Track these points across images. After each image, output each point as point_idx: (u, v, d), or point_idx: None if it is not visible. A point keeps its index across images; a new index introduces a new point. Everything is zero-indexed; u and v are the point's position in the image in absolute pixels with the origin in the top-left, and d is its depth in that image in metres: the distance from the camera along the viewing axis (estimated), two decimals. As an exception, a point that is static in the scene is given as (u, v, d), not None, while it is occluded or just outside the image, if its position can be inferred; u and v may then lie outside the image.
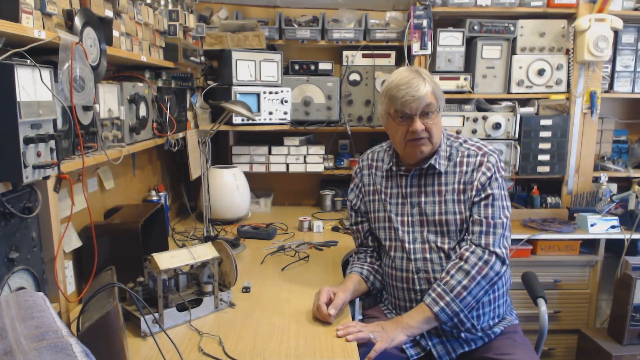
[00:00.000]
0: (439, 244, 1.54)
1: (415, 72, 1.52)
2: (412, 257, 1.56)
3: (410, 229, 1.58)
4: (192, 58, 2.23)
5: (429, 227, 1.56)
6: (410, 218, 1.59)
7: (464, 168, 1.56)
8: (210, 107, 2.63)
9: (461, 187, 1.54)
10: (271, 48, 2.75)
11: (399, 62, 2.79)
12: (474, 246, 1.50)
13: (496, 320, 1.59)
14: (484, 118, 2.68)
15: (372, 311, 1.70)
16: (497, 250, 1.49)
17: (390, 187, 1.64)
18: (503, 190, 1.55)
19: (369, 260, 1.71)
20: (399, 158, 1.63)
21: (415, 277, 1.55)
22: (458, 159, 1.57)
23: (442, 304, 1.44)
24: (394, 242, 1.61)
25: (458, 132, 2.64)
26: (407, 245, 1.57)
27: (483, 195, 1.52)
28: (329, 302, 1.45)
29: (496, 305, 1.58)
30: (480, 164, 1.54)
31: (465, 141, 1.61)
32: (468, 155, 1.57)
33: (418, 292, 1.55)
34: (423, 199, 1.58)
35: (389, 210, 1.62)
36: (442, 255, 1.54)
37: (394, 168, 1.63)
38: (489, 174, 1.53)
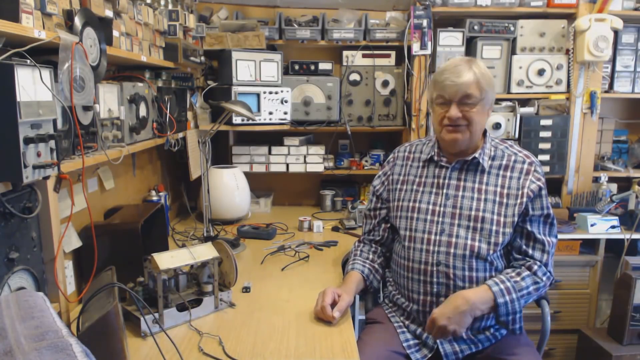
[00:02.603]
0: (469, 242, 1.50)
1: (467, 61, 1.51)
2: (435, 249, 1.52)
3: (440, 219, 1.55)
4: (192, 58, 2.23)
5: (460, 221, 1.53)
6: (442, 208, 1.55)
7: (509, 173, 1.55)
8: (210, 107, 2.63)
9: (504, 191, 1.53)
10: (271, 48, 2.75)
11: (399, 62, 2.80)
12: (538, 262, 1.52)
13: None
14: (484, 118, 2.68)
15: (375, 313, 1.70)
16: (552, 270, 1.55)
17: (425, 176, 1.62)
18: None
19: (370, 257, 1.70)
20: (442, 149, 1.62)
21: (435, 269, 1.52)
22: (504, 162, 1.56)
23: (507, 298, 1.45)
24: (415, 232, 1.57)
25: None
26: (432, 236, 1.54)
27: (545, 213, 1.53)
28: (333, 304, 1.45)
29: None
30: (528, 172, 1.53)
31: (511, 146, 1.61)
32: (515, 161, 1.56)
33: (435, 285, 1.52)
34: (460, 193, 1.55)
35: (419, 200, 1.59)
36: (468, 253, 1.50)
37: (435, 158, 1.61)
38: (540, 184, 1.53)
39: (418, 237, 1.56)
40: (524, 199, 1.51)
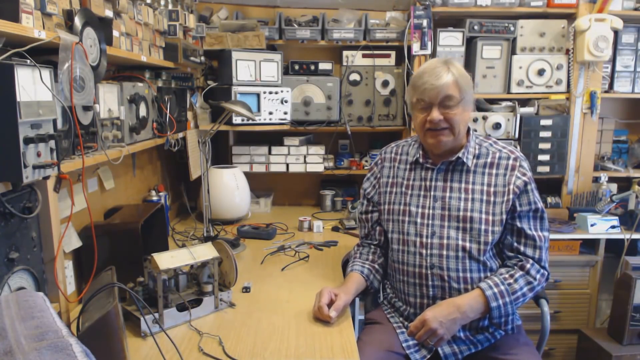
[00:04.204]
0: (460, 242, 1.51)
1: (443, 62, 1.51)
2: (428, 252, 1.53)
3: (430, 221, 1.55)
4: (192, 58, 2.23)
5: (450, 222, 1.53)
6: (431, 211, 1.56)
7: (494, 170, 1.54)
8: (210, 107, 2.63)
9: (491, 189, 1.53)
10: (271, 48, 2.75)
11: (399, 62, 2.80)
12: (531, 260, 1.51)
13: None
14: (484, 118, 2.68)
15: (374, 314, 1.70)
16: (547, 265, 1.54)
17: (412, 179, 1.62)
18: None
19: (370, 257, 1.70)
20: (426, 151, 1.62)
21: (429, 272, 1.52)
22: (489, 160, 1.56)
23: (500, 302, 1.45)
24: (407, 236, 1.57)
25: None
26: (424, 239, 1.54)
27: (533, 208, 1.52)
28: (330, 303, 1.45)
29: None
30: (513, 168, 1.53)
31: (495, 142, 1.60)
32: (500, 158, 1.55)
33: (430, 288, 1.53)
34: (448, 194, 1.55)
35: (408, 203, 1.59)
36: (460, 254, 1.50)
37: (421, 160, 1.60)
38: (525, 179, 1.52)
39: (410, 241, 1.56)
40: (510, 196, 1.51)
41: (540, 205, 1.53)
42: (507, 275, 1.50)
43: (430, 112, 1.48)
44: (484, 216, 1.51)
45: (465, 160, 1.54)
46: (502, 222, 1.51)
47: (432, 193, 1.57)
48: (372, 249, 1.73)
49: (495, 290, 1.46)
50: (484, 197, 1.52)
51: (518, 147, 2.68)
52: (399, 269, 1.60)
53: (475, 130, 2.68)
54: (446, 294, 1.51)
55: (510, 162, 1.54)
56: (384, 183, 1.68)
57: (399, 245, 1.59)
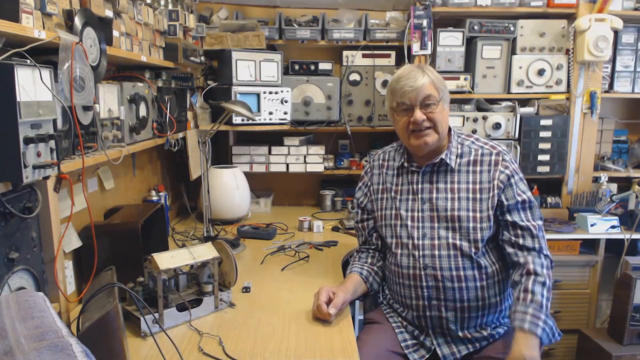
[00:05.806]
0: (450, 240, 1.52)
1: (417, 66, 1.55)
2: (420, 253, 1.54)
3: (420, 224, 1.56)
4: (192, 58, 2.23)
5: (439, 223, 1.54)
6: (420, 214, 1.57)
7: (479, 168, 1.55)
8: (210, 107, 2.63)
9: (477, 187, 1.54)
10: (271, 48, 2.75)
11: (399, 62, 2.79)
12: (533, 252, 1.48)
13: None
14: (484, 118, 2.68)
15: (374, 314, 1.70)
16: (548, 253, 1.52)
17: (400, 184, 1.64)
18: (529, 190, 1.55)
19: (369, 260, 1.71)
20: (410, 155, 1.63)
21: (422, 273, 1.53)
22: (472, 157, 1.57)
23: (541, 324, 1.36)
24: (400, 239, 1.59)
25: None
26: (416, 241, 1.55)
27: (520, 199, 1.51)
28: (328, 302, 1.45)
29: (507, 304, 1.59)
30: (496, 163, 1.54)
31: (477, 139, 1.61)
32: (482, 154, 1.56)
33: (425, 289, 1.53)
34: (435, 195, 1.56)
35: (398, 207, 1.61)
36: (452, 252, 1.51)
37: (406, 164, 1.62)
38: (508, 172, 1.53)
39: (404, 244, 1.58)
40: (495, 191, 1.52)
41: (526, 196, 1.53)
42: (523, 295, 1.42)
43: (413, 113, 1.50)
44: (471, 214, 1.52)
45: (448, 161, 1.56)
46: (489, 218, 1.52)
47: (419, 196, 1.59)
48: (371, 253, 1.74)
49: (529, 318, 1.37)
50: (470, 195, 1.54)
51: (518, 148, 2.68)
52: (395, 271, 1.61)
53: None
54: (440, 294, 1.52)
55: (493, 157, 1.55)
56: (374, 190, 1.70)
57: (393, 249, 1.61)
